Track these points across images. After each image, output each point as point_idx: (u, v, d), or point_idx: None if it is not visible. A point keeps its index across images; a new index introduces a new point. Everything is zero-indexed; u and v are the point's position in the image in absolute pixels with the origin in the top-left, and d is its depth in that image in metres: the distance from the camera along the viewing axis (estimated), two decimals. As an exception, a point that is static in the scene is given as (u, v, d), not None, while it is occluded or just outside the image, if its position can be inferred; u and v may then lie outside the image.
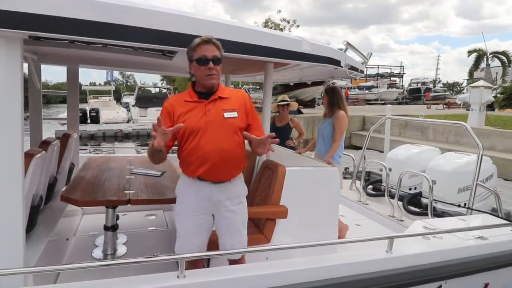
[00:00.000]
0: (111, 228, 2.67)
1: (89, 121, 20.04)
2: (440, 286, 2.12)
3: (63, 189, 2.70)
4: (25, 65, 3.02)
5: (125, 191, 2.40)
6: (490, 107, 15.65)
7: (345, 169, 5.07)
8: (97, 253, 2.79)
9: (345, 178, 4.86)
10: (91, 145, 14.87)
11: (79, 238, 3.12)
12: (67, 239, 2.96)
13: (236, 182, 1.90)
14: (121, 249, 2.85)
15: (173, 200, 2.41)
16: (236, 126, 1.82)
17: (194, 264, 1.91)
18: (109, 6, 1.64)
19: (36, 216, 2.27)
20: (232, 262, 1.99)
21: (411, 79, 47.91)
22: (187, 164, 1.83)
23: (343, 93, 3.72)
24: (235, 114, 1.82)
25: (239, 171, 1.91)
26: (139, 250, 2.88)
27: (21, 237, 1.63)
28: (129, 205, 2.29)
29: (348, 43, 2.59)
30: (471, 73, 27.30)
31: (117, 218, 2.75)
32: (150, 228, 3.39)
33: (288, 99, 4.63)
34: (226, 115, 1.80)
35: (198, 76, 1.82)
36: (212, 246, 1.98)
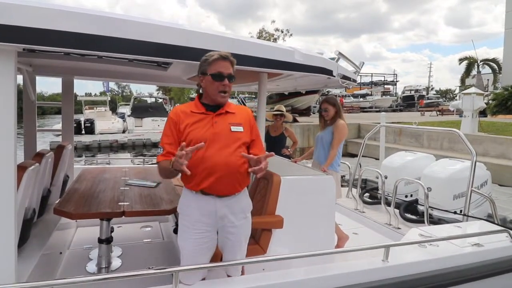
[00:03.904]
0: (106, 241, 2.63)
1: (83, 131, 19.94)
2: None
3: (57, 201, 2.67)
4: (20, 77, 3.02)
5: (120, 203, 2.37)
6: (483, 113, 15.85)
7: (342, 177, 5.07)
8: (91, 266, 2.74)
9: (341, 186, 4.86)
10: (86, 156, 14.77)
11: (72, 251, 3.07)
12: (60, 253, 2.91)
13: (240, 196, 1.86)
14: (116, 262, 2.81)
15: (168, 211, 2.40)
16: (242, 140, 1.82)
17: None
18: (104, 19, 1.65)
19: (28, 229, 2.23)
20: None
21: (405, 87, 48.43)
22: (190, 177, 1.72)
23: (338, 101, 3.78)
24: (241, 128, 1.82)
25: (244, 186, 1.87)
26: (134, 263, 2.84)
27: (13, 251, 1.60)
28: (123, 217, 2.27)
29: (340, 53, 2.63)
30: (463, 80, 27.79)
31: (112, 231, 2.72)
32: (146, 240, 3.35)
33: (284, 109, 4.65)
34: (233, 128, 1.80)
35: (209, 91, 1.81)
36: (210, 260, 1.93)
